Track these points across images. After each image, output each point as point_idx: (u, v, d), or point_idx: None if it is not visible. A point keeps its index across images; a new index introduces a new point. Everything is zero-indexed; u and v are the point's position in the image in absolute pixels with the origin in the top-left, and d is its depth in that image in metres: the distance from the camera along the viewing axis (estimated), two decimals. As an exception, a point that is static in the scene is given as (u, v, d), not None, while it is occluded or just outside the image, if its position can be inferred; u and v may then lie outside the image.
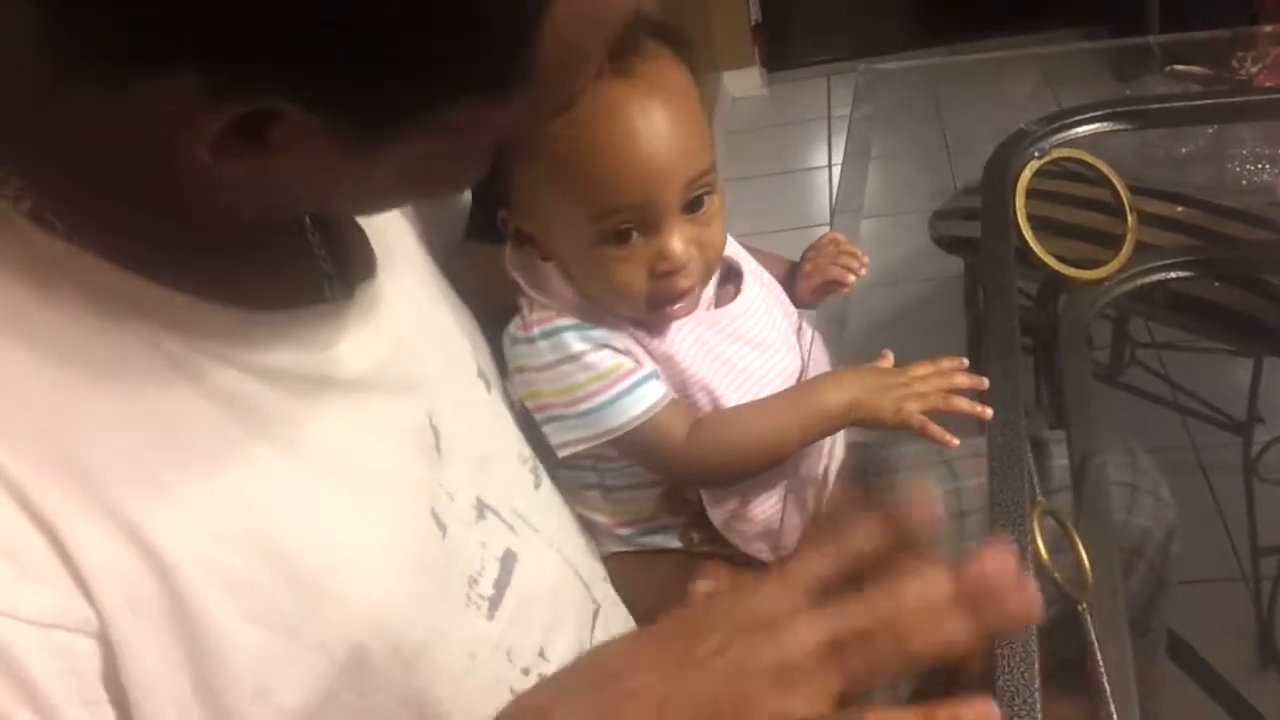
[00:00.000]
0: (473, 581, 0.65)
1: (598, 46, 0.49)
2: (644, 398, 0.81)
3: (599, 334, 0.81)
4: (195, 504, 0.50)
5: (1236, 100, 1.25)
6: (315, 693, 0.53)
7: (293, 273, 0.60)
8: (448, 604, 0.63)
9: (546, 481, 0.79)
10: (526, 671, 0.67)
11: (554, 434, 0.82)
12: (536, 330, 0.82)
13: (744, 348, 0.87)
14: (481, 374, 0.76)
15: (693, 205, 0.79)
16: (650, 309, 0.81)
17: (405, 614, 0.58)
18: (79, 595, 0.45)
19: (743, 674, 0.49)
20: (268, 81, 0.41)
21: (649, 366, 0.82)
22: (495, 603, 0.66)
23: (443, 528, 0.63)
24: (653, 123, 0.75)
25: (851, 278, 0.98)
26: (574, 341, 0.81)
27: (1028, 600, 0.49)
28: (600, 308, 0.82)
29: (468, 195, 0.94)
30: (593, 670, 0.53)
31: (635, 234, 0.78)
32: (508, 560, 0.68)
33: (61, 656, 0.45)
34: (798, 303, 0.97)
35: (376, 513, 0.58)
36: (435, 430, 0.65)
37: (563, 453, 0.83)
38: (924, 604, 0.49)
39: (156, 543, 0.48)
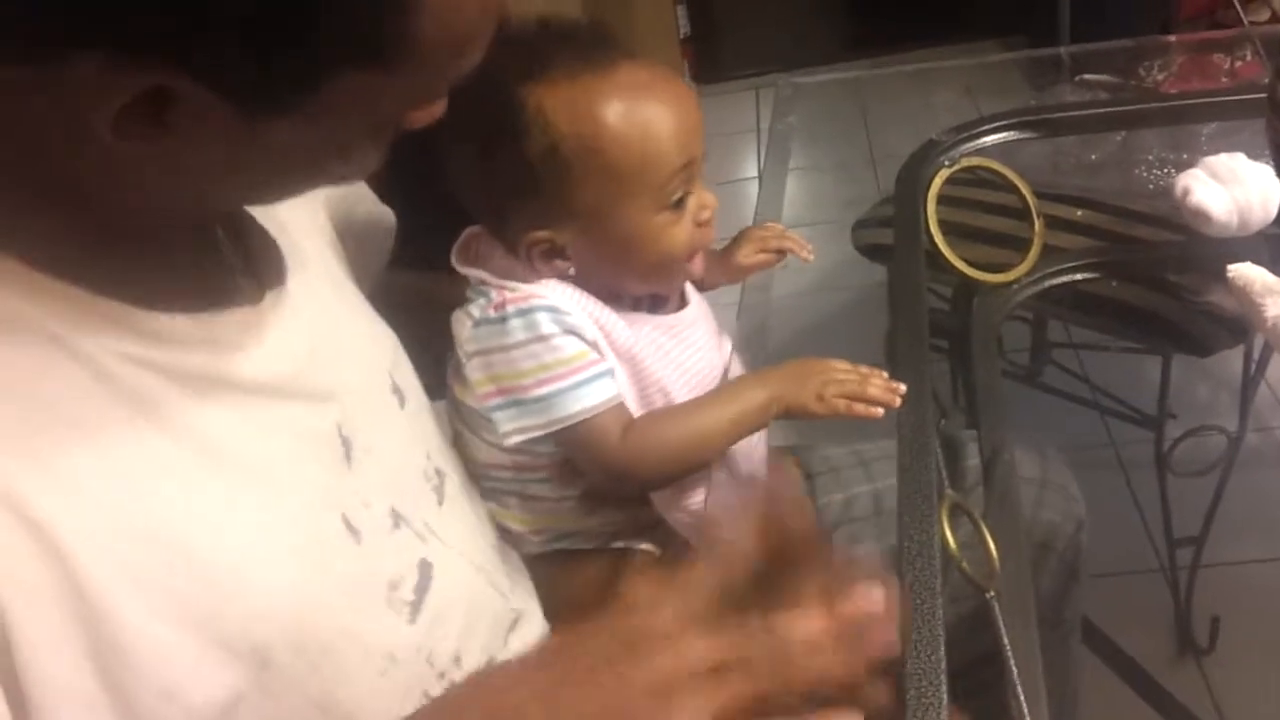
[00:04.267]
0: (394, 586, 0.66)
1: (480, 23, 0.51)
2: (598, 392, 0.83)
3: (570, 319, 0.83)
4: (87, 489, 0.50)
5: (1135, 108, 1.30)
6: (223, 692, 0.54)
7: (201, 275, 0.60)
8: (363, 609, 0.63)
9: (452, 495, 0.80)
10: (443, 676, 0.68)
11: (506, 420, 0.84)
12: (511, 309, 0.83)
13: (695, 353, 0.91)
14: (396, 389, 0.76)
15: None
16: (688, 259, 0.87)
17: (312, 615, 0.59)
18: None
19: (625, 690, 0.52)
20: (161, 59, 0.43)
21: (607, 363, 0.84)
22: (417, 607, 0.67)
23: (356, 534, 0.63)
24: (677, 90, 0.84)
25: (801, 254, 1.03)
26: (546, 322, 0.82)
27: (887, 642, 0.55)
28: (578, 296, 0.85)
29: (392, 219, 0.95)
30: (477, 695, 0.55)
31: (685, 192, 0.84)
32: (424, 568, 0.69)
33: None
34: (724, 277, 1.03)
35: (281, 515, 0.59)
36: (346, 440, 0.66)
37: (512, 440, 0.84)
38: (801, 637, 0.53)
39: (44, 520, 0.48)
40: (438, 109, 0.57)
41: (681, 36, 3.72)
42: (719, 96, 3.71)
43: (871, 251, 1.62)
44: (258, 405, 0.60)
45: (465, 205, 0.87)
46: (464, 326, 0.85)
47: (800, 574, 0.56)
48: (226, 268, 0.63)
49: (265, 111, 0.47)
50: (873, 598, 0.55)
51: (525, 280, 0.85)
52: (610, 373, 0.84)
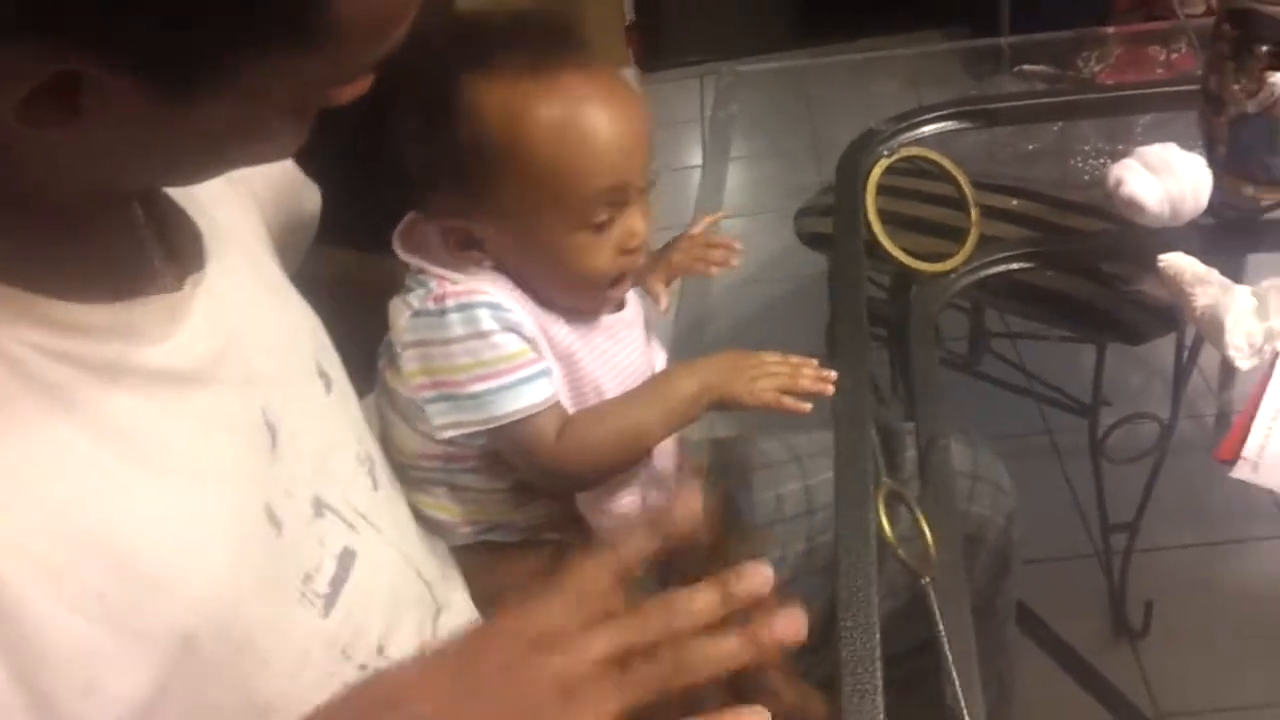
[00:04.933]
0: (308, 579, 0.65)
1: (402, 1, 0.50)
2: (536, 392, 0.82)
3: (511, 316, 0.82)
4: None
5: (1070, 99, 1.32)
6: (145, 686, 0.53)
7: (118, 262, 0.59)
8: (280, 600, 0.63)
9: (386, 482, 0.79)
10: (364, 668, 0.67)
11: (440, 414, 0.83)
12: (451, 303, 0.82)
13: (632, 354, 0.90)
14: (322, 373, 0.75)
15: (647, 188, 0.84)
16: (610, 288, 0.85)
17: (234, 606, 0.58)
18: None
19: (527, 689, 0.52)
20: (70, 44, 0.42)
21: (545, 362, 0.84)
22: (331, 600, 0.66)
23: (278, 524, 0.63)
24: (622, 108, 0.81)
25: (715, 270, 1.02)
26: (486, 319, 0.81)
27: (793, 621, 0.55)
28: (519, 292, 0.84)
29: (318, 197, 0.94)
30: (371, 698, 0.55)
31: (610, 215, 0.82)
32: (345, 558, 0.68)
33: None
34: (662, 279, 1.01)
35: (204, 505, 0.58)
36: (271, 426, 0.65)
37: (445, 434, 0.83)
38: (697, 623, 0.54)
39: None
40: (361, 86, 0.56)
41: (627, 23, 3.70)
42: (664, 84, 3.71)
43: (813, 240, 1.63)
44: (178, 394, 0.58)
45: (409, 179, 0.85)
46: (401, 315, 0.84)
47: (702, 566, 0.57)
48: (145, 254, 0.61)
49: (183, 94, 0.46)
50: (760, 576, 0.56)
51: (466, 273, 0.83)
52: (548, 372, 0.83)
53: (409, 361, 0.83)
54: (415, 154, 0.83)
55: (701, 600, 0.56)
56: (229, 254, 0.68)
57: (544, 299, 0.85)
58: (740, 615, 0.56)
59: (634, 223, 0.83)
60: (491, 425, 0.82)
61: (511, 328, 0.82)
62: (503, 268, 0.84)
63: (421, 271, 0.84)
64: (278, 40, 0.46)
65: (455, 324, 0.81)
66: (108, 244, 0.59)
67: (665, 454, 0.92)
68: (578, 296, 0.86)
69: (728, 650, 0.55)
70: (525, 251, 0.83)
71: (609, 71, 0.83)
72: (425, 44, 0.54)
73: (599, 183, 0.80)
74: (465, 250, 0.84)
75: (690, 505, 0.60)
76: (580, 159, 0.79)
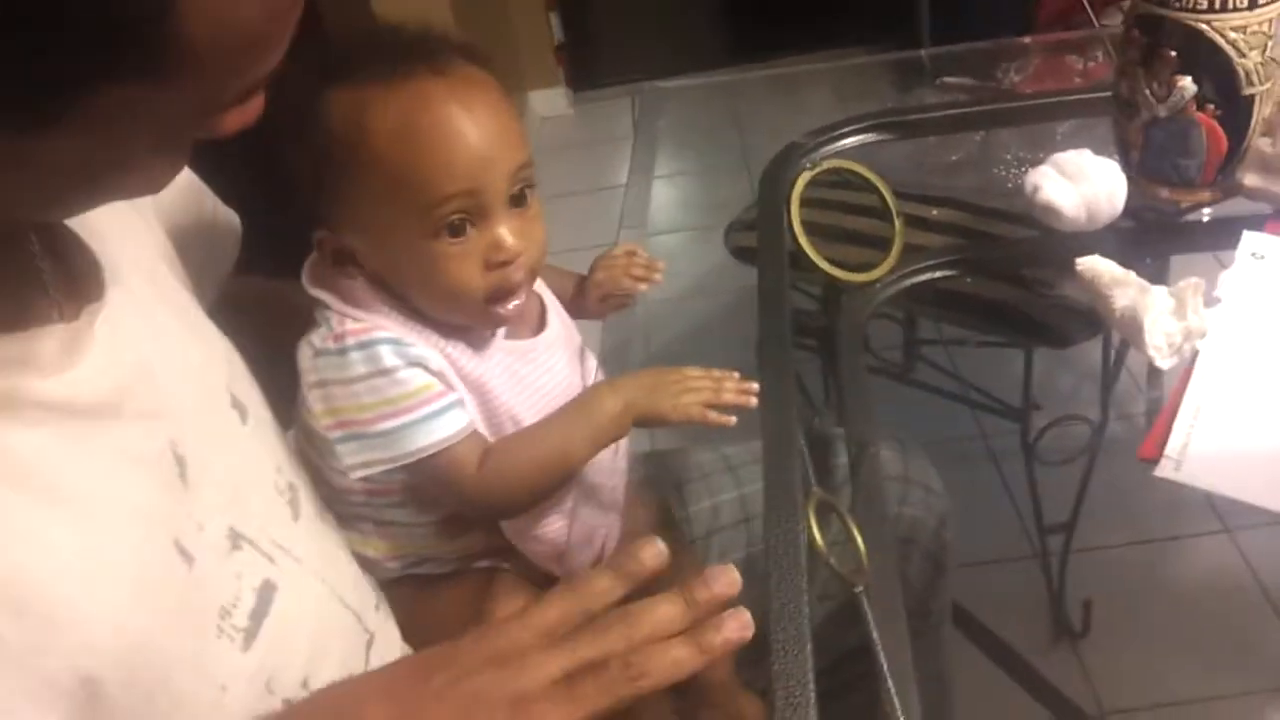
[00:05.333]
0: (225, 613, 0.63)
1: (264, 24, 0.48)
2: (449, 424, 0.81)
3: (415, 351, 0.81)
4: None
5: (987, 108, 1.33)
6: None
7: (13, 292, 0.57)
8: (194, 636, 0.61)
9: (308, 512, 0.78)
10: (288, 703, 0.66)
11: (350, 454, 0.81)
12: (351, 341, 0.80)
13: (550, 377, 0.89)
14: (236, 403, 0.74)
15: (518, 199, 0.81)
16: (489, 304, 0.82)
17: (142, 646, 0.56)
18: None
19: (480, 705, 0.51)
20: None
21: (457, 393, 0.82)
22: (251, 634, 0.65)
23: (189, 559, 0.61)
24: (474, 112, 0.78)
25: (643, 287, 1.01)
26: (388, 356, 0.80)
27: (740, 622, 0.56)
28: (421, 324, 0.82)
29: (238, 225, 0.93)
30: (322, 707, 0.54)
31: (468, 226, 0.79)
32: (265, 591, 0.67)
33: None
34: (584, 315, 0.99)
35: (108, 541, 0.56)
36: (180, 459, 0.64)
37: (357, 474, 0.82)
38: (649, 631, 0.54)
39: None
40: (251, 112, 0.55)
41: (556, 44, 3.71)
42: (594, 104, 3.72)
43: (743, 254, 1.64)
44: (75, 427, 0.57)
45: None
46: (305, 356, 0.83)
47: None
48: (37, 284, 0.60)
49: (32, 128, 0.45)
50: (726, 578, 0.57)
51: (368, 308, 0.82)
52: (460, 403, 0.82)
53: (315, 402, 0.82)
54: (285, 168, 0.82)
55: (664, 610, 0.56)
56: (132, 281, 0.67)
57: (436, 321, 0.83)
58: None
59: (498, 235, 0.80)
60: (403, 461, 0.81)
61: (415, 362, 0.81)
62: (381, 283, 0.83)
63: (326, 308, 0.83)
64: (125, 73, 0.44)
65: (357, 363, 0.80)
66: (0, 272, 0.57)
67: (598, 470, 0.91)
68: (457, 313, 0.83)
69: (678, 657, 0.55)
70: (392, 265, 0.82)
71: (475, 78, 0.80)
72: (297, 62, 0.52)
73: (442, 189, 0.77)
74: (340, 265, 0.82)
75: (656, 555, 0.60)
76: (420, 163, 0.77)
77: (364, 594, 0.81)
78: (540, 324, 0.91)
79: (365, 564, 0.86)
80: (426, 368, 0.81)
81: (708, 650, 0.55)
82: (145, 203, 0.77)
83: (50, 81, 0.43)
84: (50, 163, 0.48)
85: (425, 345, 0.82)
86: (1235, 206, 1.11)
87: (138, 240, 0.73)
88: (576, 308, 0.99)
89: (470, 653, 0.54)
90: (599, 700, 0.53)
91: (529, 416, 0.86)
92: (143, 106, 0.47)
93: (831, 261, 1.08)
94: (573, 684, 0.52)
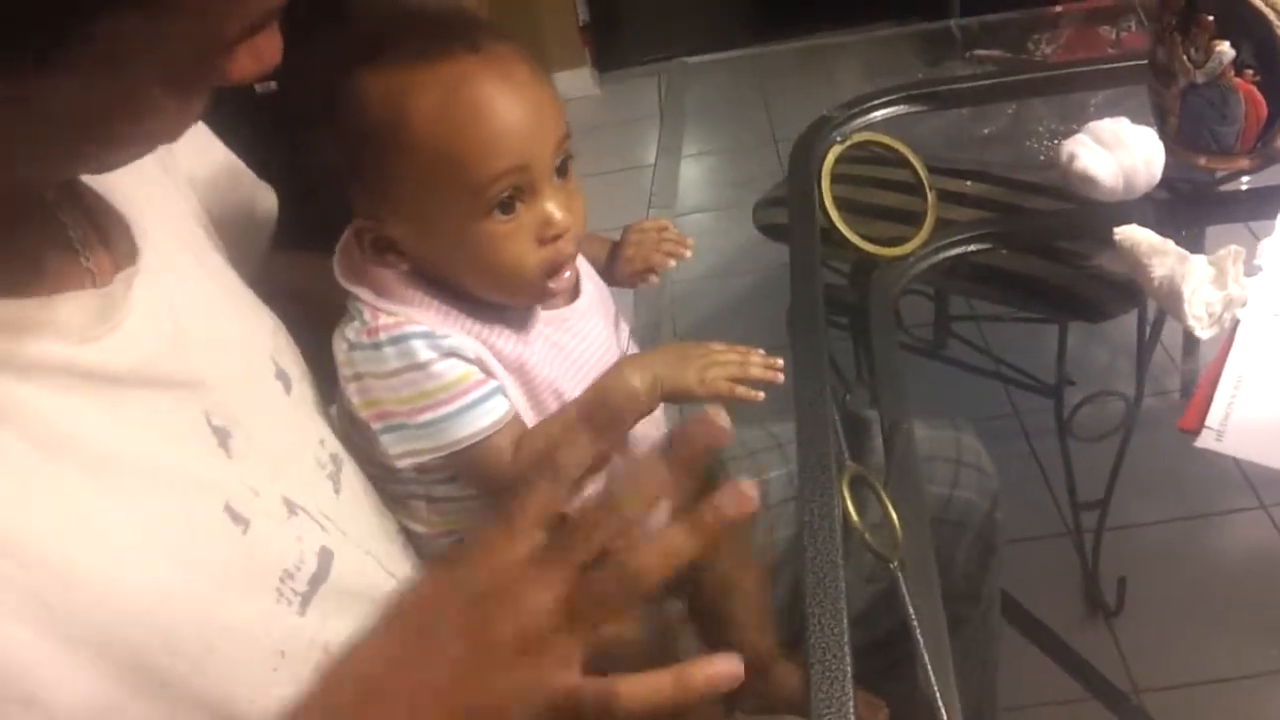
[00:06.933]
0: (287, 576, 0.63)
1: None
2: (488, 413, 0.80)
3: (449, 342, 0.80)
4: None
5: (1019, 78, 1.32)
6: (92, 698, 0.51)
7: (32, 254, 0.57)
8: (252, 599, 0.61)
9: (350, 487, 0.77)
10: None
11: (393, 444, 0.81)
12: (383, 336, 0.80)
13: (590, 345, 0.88)
14: (281, 374, 0.74)
15: (561, 170, 0.80)
16: (545, 279, 0.81)
17: (190, 614, 0.56)
18: None
19: (486, 652, 0.50)
20: None
21: (496, 380, 0.82)
22: (308, 599, 0.64)
23: (243, 523, 0.61)
24: (516, 87, 0.77)
25: (673, 262, 1.00)
26: (422, 350, 0.79)
27: (740, 495, 0.51)
28: (459, 311, 0.81)
29: (273, 199, 0.92)
30: (344, 681, 0.53)
31: (517, 203, 0.78)
32: (325, 556, 0.67)
33: None
34: (614, 283, 0.99)
35: (148, 509, 0.56)
36: (219, 429, 0.63)
37: (402, 463, 0.81)
38: (639, 512, 0.51)
39: None
40: (266, 58, 0.54)
41: (581, 24, 3.70)
42: (620, 84, 3.71)
43: (771, 231, 1.63)
44: (111, 394, 0.57)
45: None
46: (340, 349, 0.82)
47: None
48: (65, 247, 0.59)
49: (39, 66, 0.45)
50: (740, 497, 0.52)
51: (402, 299, 0.81)
52: (500, 389, 0.81)
53: (354, 395, 0.81)
54: (318, 155, 0.81)
55: (643, 489, 0.52)
56: (169, 247, 0.66)
57: (484, 304, 0.82)
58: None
59: (546, 210, 0.79)
60: (445, 452, 0.80)
61: (450, 353, 0.80)
62: (425, 271, 0.82)
63: (359, 300, 0.82)
64: (121, 2, 0.44)
65: (391, 357, 0.80)
66: (28, 238, 0.57)
67: (640, 442, 0.90)
68: (513, 292, 0.82)
69: (674, 543, 0.51)
70: (440, 251, 0.80)
71: (509, 54, 0.79)
72: (318, 43, 0.51)
73: (493, 166, 0.76)
74: (381, 255, 0.81)
75: (719, 425, 0.53)
76: (468, 142, 0.75)
77: (408, 571, 0.80)
78: (575, 291, 0.90)
79: (413, 539, 0.85)
80: (462, 357, 0.80)
81: (706, 531, 0.51)
82: (181, 175, 0.77)
83: (47, 12, 0.43)
84: (59, 109, 0.48)
85: (461, 334, 0.81)
86: (1275, 175, 1.09)
87: (173, 208, 0.73)
88: (608, 275, 0.98)
89: (463, 586, 0.52)
90: (603, 612, 0.51)
91: (570, 387, 0.85)
92: (143, 41, 0.46)
93: (862, 236, 1.07)
94: (575, 608, 0.50)
